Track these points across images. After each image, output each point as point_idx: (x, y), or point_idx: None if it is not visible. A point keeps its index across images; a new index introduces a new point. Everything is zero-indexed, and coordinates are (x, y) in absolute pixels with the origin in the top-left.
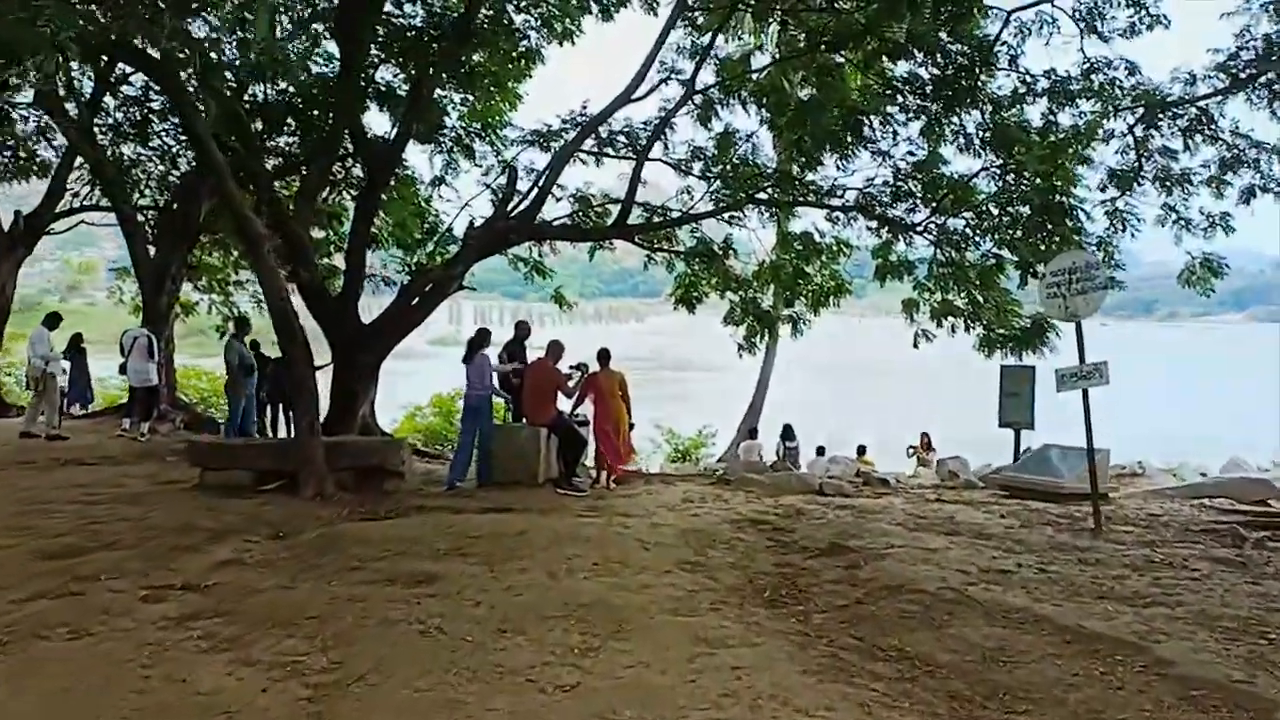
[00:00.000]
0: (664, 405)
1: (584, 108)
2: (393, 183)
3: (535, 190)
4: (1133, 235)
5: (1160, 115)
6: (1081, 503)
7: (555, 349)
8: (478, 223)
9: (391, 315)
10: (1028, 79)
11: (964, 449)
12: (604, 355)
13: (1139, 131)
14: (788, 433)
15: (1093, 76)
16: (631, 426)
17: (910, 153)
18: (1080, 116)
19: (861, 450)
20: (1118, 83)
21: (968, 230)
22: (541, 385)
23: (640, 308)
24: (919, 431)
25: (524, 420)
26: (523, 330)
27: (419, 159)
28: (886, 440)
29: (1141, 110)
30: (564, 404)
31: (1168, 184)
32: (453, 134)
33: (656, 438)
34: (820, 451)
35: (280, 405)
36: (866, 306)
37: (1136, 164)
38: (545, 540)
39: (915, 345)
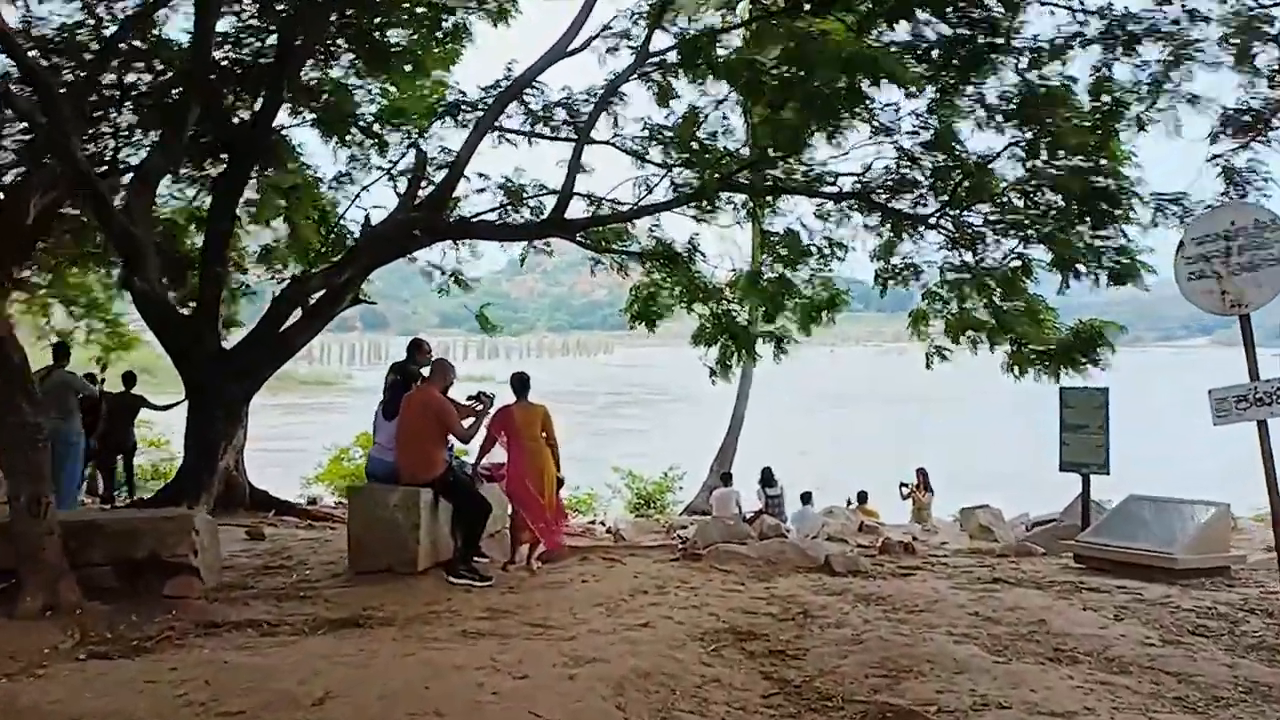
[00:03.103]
0: (627, 442)
1: (508, 71)
2: (270, 171)
3: (446, 173)
4: (1261, 201)
5: None
6: (1203, 582)
7: (441, 372)
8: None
9: (260, 337)
10: (1079, 16)
11: (973, 491)
12: (520, 382)
13: None
14: (768, 478)
15: (1166, 8)
16: (561, 482)
17: (916, 130)
18: (1144, 68)
19: (863, 498)
20: (1198, 14)
21: (986, 226)
22: (422, 426)
23: (610, 340)
24: (914, 469)
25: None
26: (419, 351)
27: (322, 152)
28: (877, 481)
29: None
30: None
31: None
32: (361, 123)
33: (615, 482)
34: (806, 499)
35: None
36: (836, 335)
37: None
38: (360, 717)
39: (928, 365)
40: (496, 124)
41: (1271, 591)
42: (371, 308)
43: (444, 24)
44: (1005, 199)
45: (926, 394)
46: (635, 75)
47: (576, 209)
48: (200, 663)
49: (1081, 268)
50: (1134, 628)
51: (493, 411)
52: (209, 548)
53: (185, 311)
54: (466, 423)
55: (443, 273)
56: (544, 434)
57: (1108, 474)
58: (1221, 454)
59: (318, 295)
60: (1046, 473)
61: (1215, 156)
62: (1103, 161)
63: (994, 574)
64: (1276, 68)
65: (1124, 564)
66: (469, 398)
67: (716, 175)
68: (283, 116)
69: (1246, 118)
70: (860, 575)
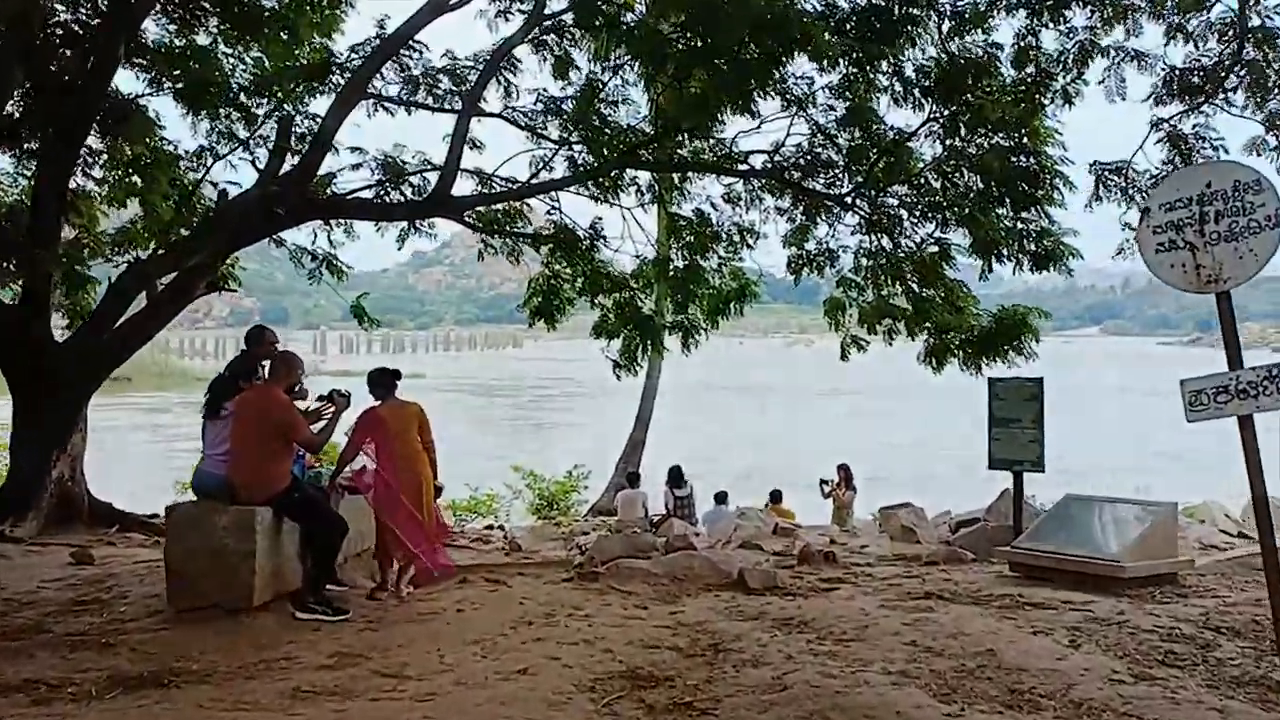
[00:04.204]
0: (531, 438)
1: (380, 28)
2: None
3: (311, 143)
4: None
5: None
6: (1153, 592)
7: (286, 366)
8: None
9: (96, 329)
10: None
11: (888, 489)
12: (383, 378)
13: None
14: (676, 478)
15: None
16: (439, 491)
17: (831, 105)
18: (1071, 35)
19: (776, 497)
20: None
21: (902, 209)
22: (261, 432)
23: (519, 334)
24: (836, 465)
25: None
26: (260, 342)
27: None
28: (790, 478)
29: None
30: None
31: (1263, 87)
32: (229, 94)
33: (515, 483)
34: (720, 499)
35: None
36: (744, 326)
37: (1234, 50)
38: None
39: (844, 356)
40: (371, 90)
41: (1231, 603)
42: (274, 300)
43: None
44: (923, 180)
45: (837, 386)
46: (528, 40)
47: (466, 188)
48: None
49: (1004, 251)
50: (1095, 657)
51: (357, 414)
52: None
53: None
54: (316, 426)
55: (314, 258)
56: (421, 438)
57: (1042, 471)
58: (1134, 444)
59: (168, 280)
60: (960, 466)
61: (1160, 121)
62: (1024, 140)
63: (925, 587)
64: (1230, 19)
65: (1065, 572)
66: (320, 398)
67: (618, 150)
68: (139, 86)
69: (1195, 78)
70: (779, 593)
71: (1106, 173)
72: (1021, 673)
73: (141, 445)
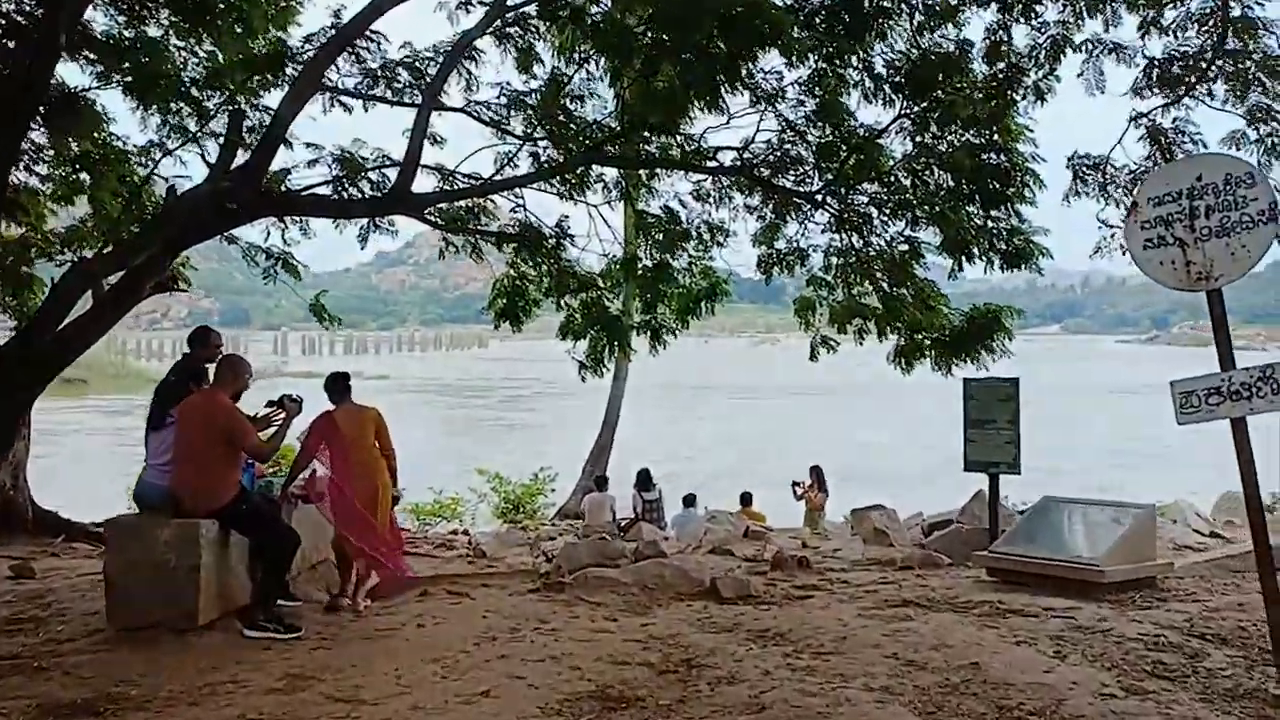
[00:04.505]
0: (498, 439)
1: (336, 19)
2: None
3: (263, 135)
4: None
5: None
6: (1133, 597)
7: (232, 371)
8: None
9: (38, 333)
10: None
11: (858, 489)
12: (338, 383)
13: None
14: (644, 481)
15: None
16: (397, 499)
17: (800, 100)
18: (1043, 29)
19: (746, 500)
20: None
21: (872, 206)
22: (206, 441)
23: (484, 334)
24: (809, 466)
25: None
26: (205, 344)
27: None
28: (764, 478)
29: None
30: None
31: (1244, 79)
32: (180, 87)
33: (480, 486)
34: (689, 502)
35: None
36: (710, 325)
37: (1214, 39)
38: None
39: (813, 357)
40: (327, 82)
41: (1214, 608)
42: (234, 301)
43: None
44: (893, 177)
45: (806, 386)
46: (490, 31)
47: (427, 185)
48: None
49: (975, 250)
50: (1083, 669)
51: (310, 419)
52: None
53: None
54: (266, 434)
55: (269, 256)
56: (378, 442)
57: (1018, 473)
58: (1100, 441)
59: (114, 280)
60: (932, 465)
61: (1140, 115)
62: (995, 137)
63: (902, 594)
64: (1211, 9)
65: (1044, 577)
66: (269, 404)
67: (584, 146)
68: (86, 79)
69: (1177, 68)
70: (752, 601)
71: (1084, 167)
72: (1008, 687)
73: (100, 449)
